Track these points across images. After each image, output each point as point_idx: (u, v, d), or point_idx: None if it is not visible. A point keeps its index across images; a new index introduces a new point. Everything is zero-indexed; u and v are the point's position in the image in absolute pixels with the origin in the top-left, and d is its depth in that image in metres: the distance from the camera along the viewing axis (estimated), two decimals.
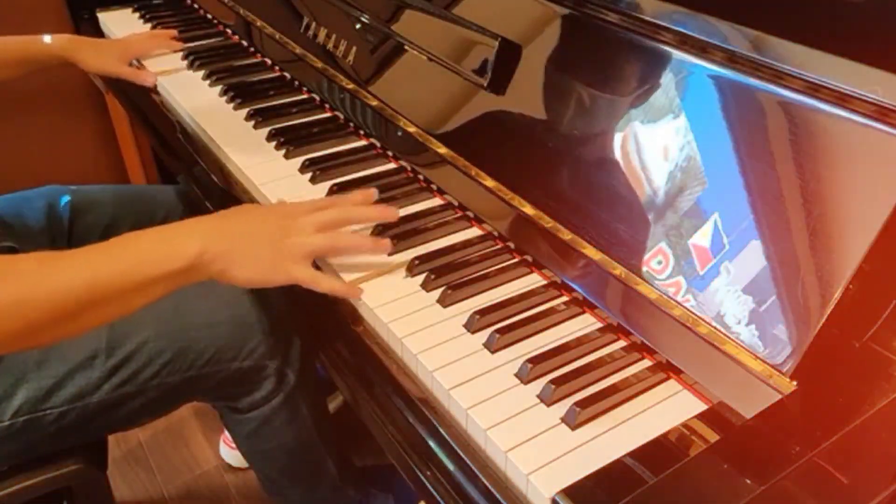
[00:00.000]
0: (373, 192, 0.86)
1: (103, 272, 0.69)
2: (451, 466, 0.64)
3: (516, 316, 0.74)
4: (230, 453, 1.52)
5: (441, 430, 0.66)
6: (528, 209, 0.80)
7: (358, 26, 1.08)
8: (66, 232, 1.15)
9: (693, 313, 0.65)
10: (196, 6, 1.53)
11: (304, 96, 1.19)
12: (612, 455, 0.58)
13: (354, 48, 1.08)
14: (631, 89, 0.73)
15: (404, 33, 1.00)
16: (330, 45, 1.13)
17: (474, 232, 0.87)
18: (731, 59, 0.66)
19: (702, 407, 0.64)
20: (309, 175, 0.98)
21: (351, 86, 1.09)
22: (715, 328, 0.63)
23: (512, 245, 0.83)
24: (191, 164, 1.10)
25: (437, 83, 0.95)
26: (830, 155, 0.59)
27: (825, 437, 0.53)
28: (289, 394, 1.01)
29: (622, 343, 0.71)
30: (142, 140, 1.85)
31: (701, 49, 0.68)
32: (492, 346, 0.70)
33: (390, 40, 1.03)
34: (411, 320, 0.74)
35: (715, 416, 0.62)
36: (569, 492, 0.55)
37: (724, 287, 0.63)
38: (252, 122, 1.10)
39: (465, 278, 0.78)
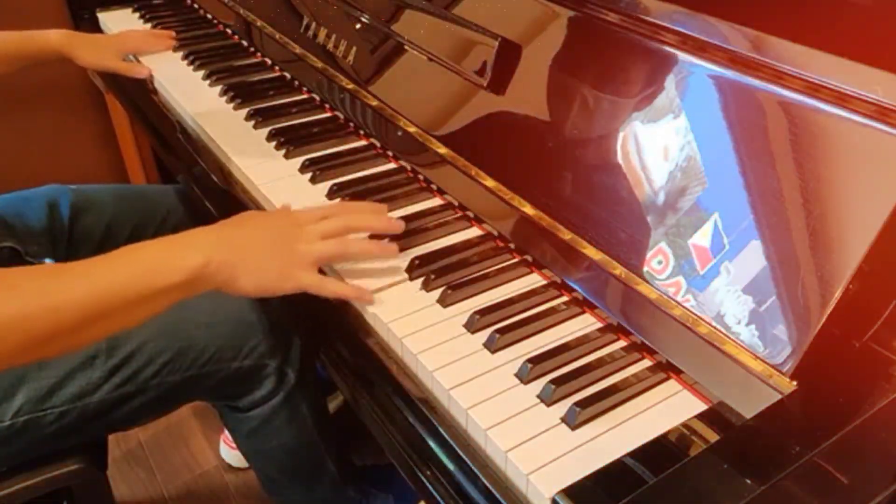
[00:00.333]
0: (383, 208, 0.86)
1: (105, 285, 0.68)
2: (451, 466, 0.64)
3: (516, 316, 0.74)
4: (230, 453, 1.52)
5: (441, 430, 0.66)
6: (528, 209, 0.80)
7: (358, 26, 1.08)
8: (67, 232, 1.15)
9: (693, 313, 0.65)
10: (196, 6, 1.53)
11: (304, 96, 1.19)
12: (612, 455, 0.58)
13: (354, 48, 1.08)
14: (631, 89, 0.73)
15: (404, 33, 1.00)
16: (330, 45, 1.13)
17: (474, 232, 0.87)
18: (731, 59, 0.66)
19: (702, 407, 0.64)
20: (309, 175, 0.98)
21: (351, 86, 1.09)
22: (715, 328, 0.63)
23: (512, 245, 0.83)
24: (191, 164, 1.10)
25: (437, 83, 0.95)
26: (830, 155, 0.59)
27: (825, 437, 0.53)
28: (289, 393, 1.01)
29: (622, 343, 0.71)
30: (142, 140, 1.85)
31: (701, 49, 0.68)
32: (492, 346, 0.70)
33: (390, 40, 1.03)
34: (411, 320, 0.74)
35: (715, 416, 0.62)
36: (569, 492, 0.55)
37: (724, 287, 0.63)
38: (252, 122, 1.10)
39: (465, 278, 0.78)
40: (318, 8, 1.18)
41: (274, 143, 1.05)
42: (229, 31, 1.42)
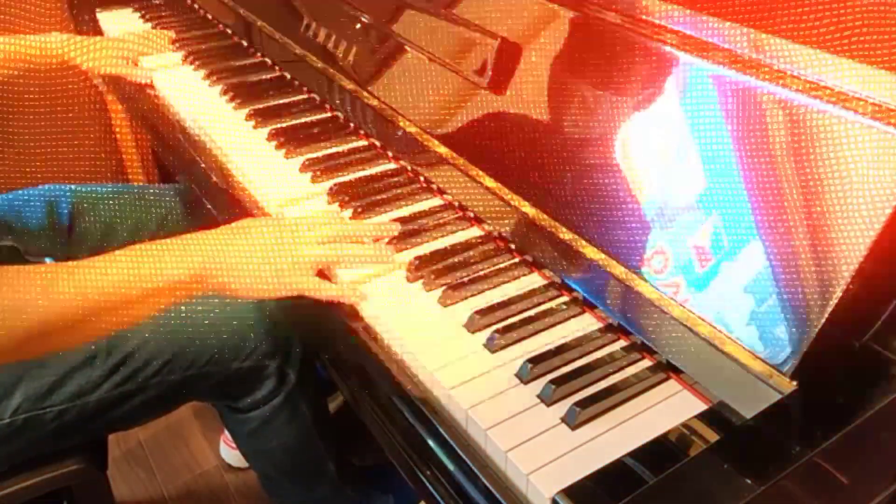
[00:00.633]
0: (381, 228, 0.86)
1: (104, 282, 0.70)
2: (451, 466, 0.64)
3: (516, 316, 0.74)
4: (230, 453, 1.52)
5: (441, 430, 0.66)
6: (528, 209, 0.80)
7: (358, 26, 1.08)
8: (66, 231, 1.15)
9: (693, 313, 0.65)
10: (196, 6, 1.53)
11: (304, 96, 1.19)
12: (612, 455, 0.58)
13: (354, 48, 1.08)
14: (631, 89, 0.73)
15: (404, 33, 1.00)
16: (330, 45, 1.13)
17: (474, 232, 0.87)
18: (731, 59, 0.66)
19: (702, 407, 0.64)
20: (309, 175, 0.97)
21: (351, 86, 1.09)
22: (715, 328, 0.63)
23: (512, 245, 0.83)
24: (191, 164, 1.10)
25: (437, 83, 0.95)
26: (830, 155, 0.59)
27: (825, 437, 0.53)
28: (289, 393, 1.01)
29: (622, 343, 0.71)
30: (142, 140, 1.85)
31: (701, 49, 0.68)
32: (492, 346, 0.70)
33: (390, 40, 1.03)
34: (411, 320, 0.74)
35: (715, 416, 0.62)
36: (569, 492, 0.55)
37: (724, 287, 0.63)
38: (252, 122, 1.10)
39: (465, 278, 0.78)
40: (318, 8, 1.18)
41: (274, 143, 1.05)
42: (229, 31, 1.42)
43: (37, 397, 0.85)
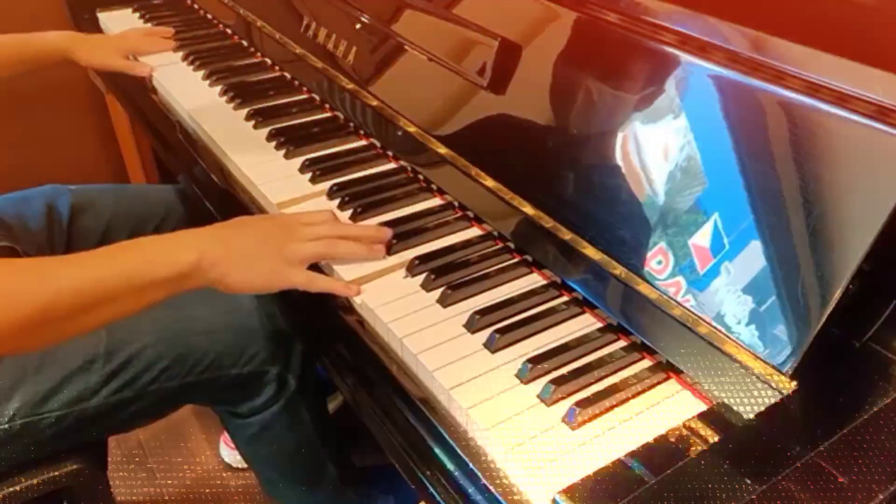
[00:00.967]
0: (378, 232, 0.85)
1: (100, 273, 0.70)
2: (451, 466, 0.64)
3: (516, 316, 0.74)
4: (230, 453, 1.52)
5: (441, 430, 0.66)
6: (528, 209, 0.80)
7: (358, 26, 1.08)
8: (66, 231, 1.14)
9: (693, 313, 0.65)
10: (196, 6, 1.53)
11: (304, 96, 1.19)
12: (612, 455, 0.58)
13: (354, 48, 1.08)
14: (631, 89, 0.73)
15: (404, 33, 1.00)
16: (330, 45, 1.13)
17: (474, 232, 0.87)
18: (732, 59, 0.66)
19: (702, 407, 0.64)
20: (309, 175, 0.97)
21: (351, 86, 1.09)
22: (715, 328, 0.63)
23: (512, 245, 0.83)
24: (191, 164, 1.10)
25: (437, 83, 0.95)
26: (830, 155, 0.59)
27: (825, 437, 0.53)
28: (289, 399, 1.01)
29: (622, 343, 0.71)
30: (142, 140, 1.85)
31: (701, 49, 0.68)
32: (492, 346, 0.70)
33: (390, 40, 1.03)
34: (411, 320, 0.74)
35: (715, 416, 0.62)
36: (569, 492, 0.55)
37: (724, 287, 0.63)
38: (252, 122, 1.10)
39: (465, 278, 0.78)
40: (318, 8, 1.18)
41: (274, 143, 1.05)
42: (229, 31, 1.42)
43: (34, 403, 0.84)
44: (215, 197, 1.04)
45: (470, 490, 0.62)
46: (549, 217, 0.78)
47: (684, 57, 0.69)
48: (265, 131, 1.07)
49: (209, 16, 1.48)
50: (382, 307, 0.76)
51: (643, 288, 0.69)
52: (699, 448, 0.59)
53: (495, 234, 0.85)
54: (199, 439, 1.59)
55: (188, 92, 1.20)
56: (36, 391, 0.84)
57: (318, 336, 0.85)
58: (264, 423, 1.03)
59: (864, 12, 0.67)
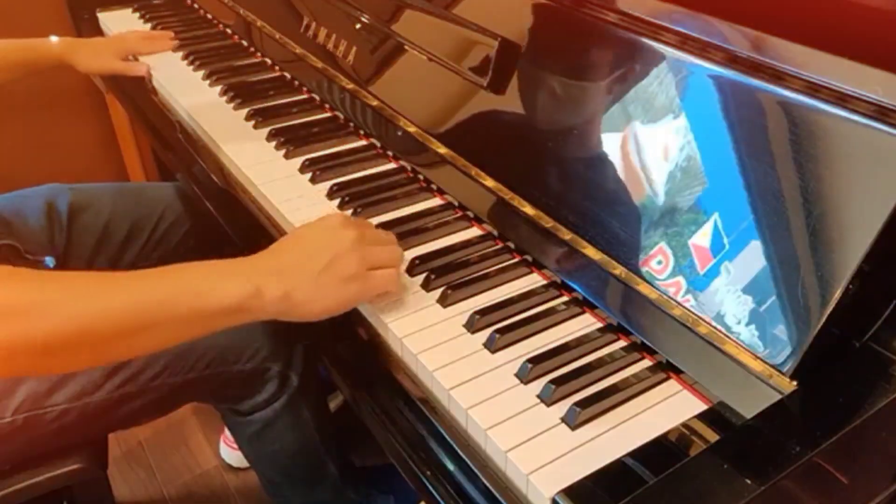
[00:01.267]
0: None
1: (147, 298, 0.64)
2: (451, 466, 0.64)
3: (516, 316, 0.74)
4: (230, 453, 1.52)
5: (441, 430, 0.66)
6: (528, 209, 0.80)
7: (358, 26, 1.08)
8: (66, 230, 1.15)
9: (693, 313, 0.65)
10: (196, 6, 1.53)
11: (304, 96, 1.19)
12: (612, 455, 0.58)
13: (354, 48, 1.08)
14: (631, 89, 0.73)
15: (404, 33, 1.00)
16: (330, 45, 1.13)
17: (474, 232, 0.87)
18: (731, 59, 0.66)
19: (702, 407, 0.64)
20: (309, 175, 0.97)
21: (351, 86, 1.09)
22: (715, 328, 0.63)
23: (512, 245, 0.83)
24: (190, 164, 1.10)
25: (437, 83, 0.95)
26: (830, 155, 0.59)
27: (825, 437, 0.53)
28: (291, 396, 1.01)
29: (622, 343, 0.71)
30: (142, 140, 1.85)
31: (701, 49, 0.68)
32: (492, 346, 0.70)
33: (390, 40, 1.03)
34: (411, 320, 0.74)
35: (715, 416, 0.62)
36: (569, 492, 0.55)
37: (724, 287, 0.63)
38: (252, 122, 1.10)
39: (465, 278, 0.78)
40: (318, 8, 1.18)
41: (274, 143, 1.05)
42: (229, 31, 1.42)
43: (38, 396, 0.85)
44: (215, 197, 1.04)
45: (470, 490, 0.62)
46: (549, 217, 0.78)
47: (684, 57, 0.69)
48: (265, 131, 1.07)
49: (209, 16, 1.48)
50: (382, 307, 0.75)
51: (643, 288, 0.69)
52: (699, 448, 0.59)
53: (495, 234, 0.85)
54: (199, 439, 1.59)
55: (188, 92, 1.20)
56: (40, 385, 0.85)
57: (320, 335, 0.85)
58: (266, 421, 1.03)
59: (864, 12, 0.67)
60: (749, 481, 0.50)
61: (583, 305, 0.75)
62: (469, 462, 0.63)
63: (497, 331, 0.71)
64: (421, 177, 0.95)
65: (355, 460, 1.25)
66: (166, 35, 1.36)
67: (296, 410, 1.03)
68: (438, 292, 0.77)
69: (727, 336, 0.62)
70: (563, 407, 0.63)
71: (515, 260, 0.82)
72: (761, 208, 0.62)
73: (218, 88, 1.20)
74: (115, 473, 1.50)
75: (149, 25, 1.46)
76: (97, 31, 1.52)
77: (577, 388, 0.66)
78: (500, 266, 0.80)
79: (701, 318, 0.64)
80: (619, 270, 0.71)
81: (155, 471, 1.53)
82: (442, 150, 0.92)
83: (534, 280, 0.79)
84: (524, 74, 0.84)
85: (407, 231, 0.85)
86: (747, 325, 0.61)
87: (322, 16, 1.16)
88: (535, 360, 0.67)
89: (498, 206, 0.84)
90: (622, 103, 0.74)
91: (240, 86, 1.20)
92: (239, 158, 1.02)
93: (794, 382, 0.58)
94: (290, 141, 1.04)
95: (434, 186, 0.93)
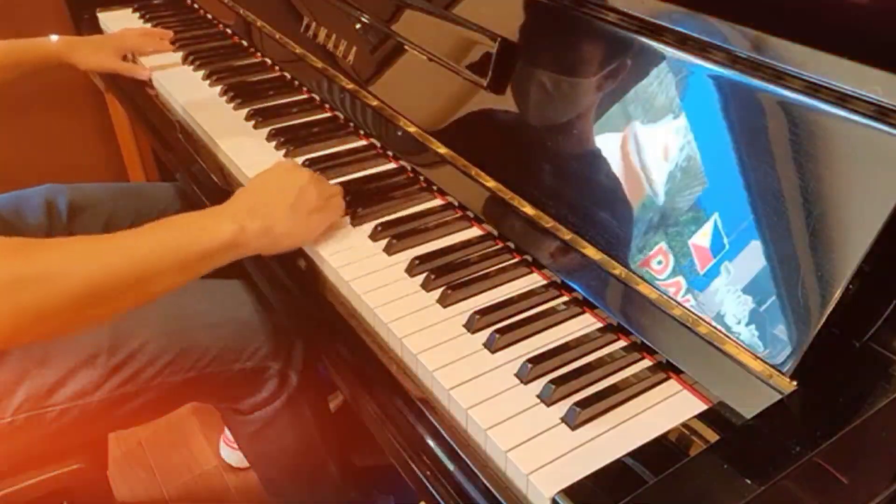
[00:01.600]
0: None
1: (144, 249, 0.72)
2: (451, 466, 0.64)
3: (516, 316, 0.74)
4: (230, 453, 1.52)
5: (441, 430, 0.66)
6: (528, 209, 0.80)
7: (358, 26, 1.08)
8: (66, 229, 1.15)
9: (693, 313, 0.65)
10: (196, 6, 1.53)
11: (304, 96, 1.19)
12: (612, 455, 0.58)
13: (354, 48, 1.08)
14: (631, 89, 0.73)
15: (404, 33, 1.00)
16: (330, 45, 1.13)
17: (474, 232, 0.87)
18: (731, 59, 0.66)
19: (702, 407, 0.64)
20: None
21: (351, 86, 1.09)
22: (715, 328, 0.63)
23: (512, 245, 0.83)
24: (190, 164, 1.10)
25: (437, 83, 0.95)
26: (830, 155, 0.59)
27: (825, 437, 0.53)
28: (291, 395, 1.01)
29: (622, 343, 0.71)
30: (142, 140, 1.85)
31: (701, 49, 0.68)
32: (492, 346, 0.70)
33: (390, 40, 1.03)
34: (411, 320, 0.74)
35: (715, 416, 0.62)
36: (569, 492, 0.55)
37: (724, 287, 0.63)
38: (252, 122, 1.10)
39: (465, 278, 0.78)
40: (318, 8, 1.18)
41: (274, 143, 1.05)
42: (229, 31, 1.42)
43: (38, 396, 0.85)
44: (214, 196, 1.04)
45: (470, 490, 0.62)
46: (549, 217, 0.78)
47: (684, 57, 0.69)
48: (265, 131, 1.07)
49: (209, 16, 1.48)
50: (382, 307, 0.76)
51: (643, 288, 0.69)
52: (699, 448, 0.59)
53: (495, 234, 0.85)
54: (199, 439, 1.59)
55: (188, 92, 1.20)
56: (40, 385, 0.85)
57: (320, 334, 0.85)
58: (266, 420, 1.03)
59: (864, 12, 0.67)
60: (749, 481, 0.50)
61: (583, 305, 0.75)
62: (469, 462, 0.63)
63: (497, 331, 0.71)
64: (421, 177, 0.95)
65: (355, 460, 1.25)
66: (165, 33, 1.36)
67: (296, 409, 1.03)
68: (438, 292, 0.77)
69: (727, 336, 0.62)
70: (563, 407, 0.63)
71: (515, 260, 0.82)
72: (761, 208, 0.62)
73: (218, 88, 1.20)
74: (115, 473, 1.50)
75: (149, 25, 1.46)
76: (97, 30, 1.52)
77: (577, 388, 0.66)
78: (500, 266, 0.80)
79: (701, 318, 0.64)
80: (619, 270, 0.71)
81: (155, 471, 1.52)
82: (442, 150, 0.92)
83: (534, 280, 0.79)
84: (524, 74, 0.84)
85: (407, 231, 0.85)
86: (747, 325, 0.61)
87: (322, 16, 1.16)
88: (535, 360, 0.67)
89: (498, 206, 0.84)
90: (622, 103, 0.74)
91: (240, 86, 1.20)
92: (239, 158, 1.02)
93: (794, 382, 0.58)
94: (290, 141, 1.04)
95: (434, 186, 0.93)
